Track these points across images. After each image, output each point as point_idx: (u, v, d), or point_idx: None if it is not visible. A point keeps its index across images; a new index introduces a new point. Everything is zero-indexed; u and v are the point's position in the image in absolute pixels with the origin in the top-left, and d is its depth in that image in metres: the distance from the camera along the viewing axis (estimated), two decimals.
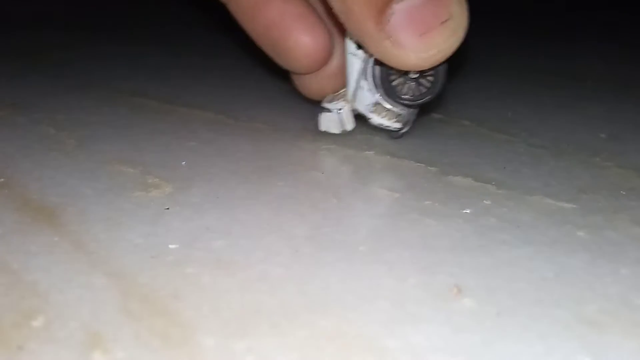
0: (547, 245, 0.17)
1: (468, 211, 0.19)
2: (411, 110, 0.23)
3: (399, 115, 0.23)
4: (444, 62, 0.21)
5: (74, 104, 0.28)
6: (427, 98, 0.23)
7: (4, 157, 0.22)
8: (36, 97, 0.29)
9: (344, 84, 0.24)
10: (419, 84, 0.23)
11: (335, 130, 0.25)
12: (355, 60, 0.23)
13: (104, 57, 0.38)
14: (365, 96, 0.23)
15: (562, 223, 0.18)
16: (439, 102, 0.29)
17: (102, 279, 0.15)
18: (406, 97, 0.23)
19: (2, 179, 0.21)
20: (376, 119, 0.24)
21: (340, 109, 0.24)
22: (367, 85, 0.23)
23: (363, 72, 0.23)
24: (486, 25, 0.50)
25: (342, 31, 0.24)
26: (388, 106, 0.23)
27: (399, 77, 0.23)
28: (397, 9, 0.19)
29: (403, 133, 0.24)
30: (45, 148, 0.23)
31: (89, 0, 0.58)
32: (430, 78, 0.22)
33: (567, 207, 0.19)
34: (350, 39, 0.23)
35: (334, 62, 0.25)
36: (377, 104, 0.23)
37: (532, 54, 0.39)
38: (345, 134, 0.25)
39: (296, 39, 0.24)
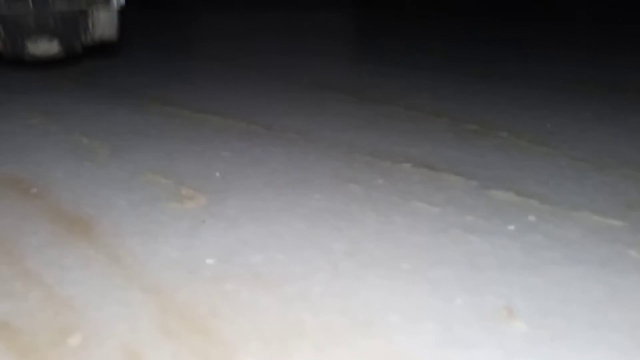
0: (598, 264, 0.16)
1: (512, 227, 0.18)
2: None
3: None
4: None
5: (106, 112, 0.28)
6: None
7: (37, 167, 0.22)
8: (68, 105, 0.29)
9: None
10: None
11: None
12: None
13: (135, 66, 0.38)
14: None
15: (612, 241, 0.17)
16: (473, 111, 0.28)
17: (138, 294, 0.15)
18: None
19: (35, 189, 0.20)
20: None
21: None
22: None
23: None
24: (519, 34, 0.50)
25: None
26: None
27: None
28: None
29: None
30: (78, 157, 0.23)
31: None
32: None
33: (616, 224, 0.18)
34: None
35: None
36: None
37: (566, 64, 0.39)
38: (380, 145, 0.24)
39: None
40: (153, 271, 0.16)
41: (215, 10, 0.63)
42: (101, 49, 0.43)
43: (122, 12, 0.29)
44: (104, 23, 0.29)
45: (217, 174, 0.22)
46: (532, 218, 0.19)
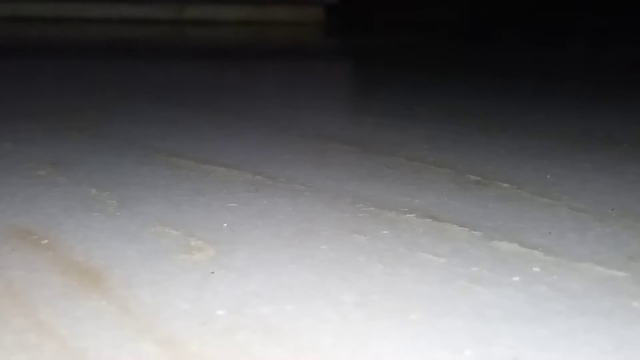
0: (603, 315, 0.16)
1: (517, 278, 0.18)
2: None
3: None
4: None
5: (113, 163, 0.29)
6: None
7: (47, 218, 0.23)
8: (76, 156, 0.30)
9: None
10: None
11: None
12: None
13: (139, 117, 0.39)
14: None
15: (616, 292, 0.18)
16: (474, 162, 0.29)
17: (151, 346, 0.15)
18: None
19: (46, 241, 0.21)
20: None
21: None
22: None
23: None
24: (514, 86, 0.51)
25: None
26: None
27: None
28: None
29: None
30: (88, 209, 0.23)
31: (121, 62, 0.59)
32: None
33: (619, 275, 0.19)
34: None
35: None
36: None
37: (562, 115, 0.40)
38: (385, 196, 0.25)
39: None
40: (165, 323, 0.16)
41: (214, 61, 0.65)
42: (103, 100, 0.44)
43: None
44: None
45: (225, 225, 0.22)
46: (536, 269, 0.19)
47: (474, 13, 1.34)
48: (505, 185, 0.26)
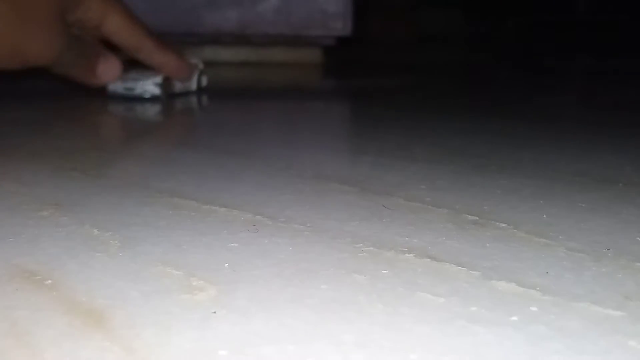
0: (600, 355, 0.17)
1: (515, 318, 0.19)
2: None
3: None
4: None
5: (115, 204, 0.29)
6: None
7: (50, 259, 0.23)
8: (78, 197, 0.30)
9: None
10: None
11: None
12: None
13: (140, 158, 0.39)
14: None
15: (612, 332, 0.18)
16: (471, 202, 0.29)
17: None
18: None
19: (49, 281, 0.21)
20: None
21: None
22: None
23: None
24: (511, 126, 0.51)
25: None
26: None
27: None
28: None
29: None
30: (90, 249, 0.24)
31: (121, 103, 0.60)
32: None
33: (615, 314, 0.19)
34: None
35: None
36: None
37: (557, 154, 0.40)
38: (383, 236, 0.25)
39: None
40: None
41: (213, 101, 0.66)
42: (104, 140, 0.45)
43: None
44: None
45: (226, 265, 0.22)
46: (534, 309, 0.19)
47: (471, 56, 1.36)
48: (502, 225, 0.27)
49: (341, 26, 0.98)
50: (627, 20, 1.45)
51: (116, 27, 0.56)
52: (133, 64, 0.60)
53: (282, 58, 1.01)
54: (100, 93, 0.61)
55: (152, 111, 0.57)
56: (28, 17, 0.48)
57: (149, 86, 0.59)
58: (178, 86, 0.62)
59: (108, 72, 0.58)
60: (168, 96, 0.60)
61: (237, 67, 0.98)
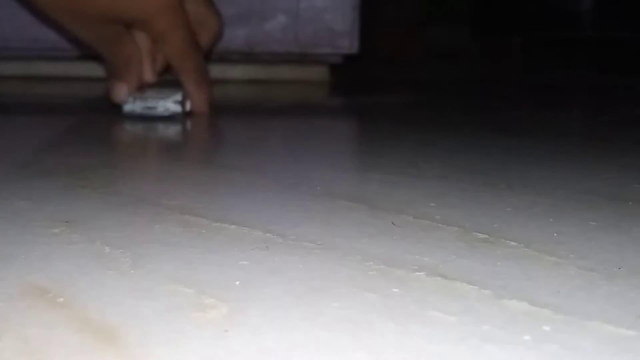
0: None
1: (528, 337, 0.19)
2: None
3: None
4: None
5: (126, 221, 0.29)
6: None
7: (62, 276, 0.23)
8: (88, 214, 0.30)
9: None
10: None
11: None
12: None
13: (150, 175, 0.40)
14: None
15: (626, 351, 0.18)
16: (481, 220, 0.29)
17: None
18: None
19: (61, 299, 0.21)
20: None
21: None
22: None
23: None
24: (519, 143, 0.51)
25: None
26: None
27: None
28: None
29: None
30: (102, 267, 0.24)
31: (131, 121, 0.60)
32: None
33: (628, 334, 0.19)
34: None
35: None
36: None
37: (566, 172, 0.40)
38: (394, 254, 0.25)
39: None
40: None
41: (221, 119, 0.66)
42: (113, 157, 0.45)
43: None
44: None
45: (237, 283, 0.23)
46: (546, 328, 0.19)
47: (478, 72, 1.36)
48: (513, 243, 0.27)
49: (348, 44, 0.99)
50: (633, 37, 1.45)
51: (173, 47, 0.58)
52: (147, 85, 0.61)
53: (289, 76, 1.02)
54: (110, 105, 0.61)
55: (161, 129, 0.57)
56: None
57: (170, 104, 0.59)
58: (189, 105, 0.63)
59: (115, 94, 0.59)
60: (185, 115, 0.60)
61: (245, 84, 0.99)
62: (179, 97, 0.60)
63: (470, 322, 0.20)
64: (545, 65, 1.48)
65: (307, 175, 0.40)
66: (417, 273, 0.24)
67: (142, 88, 0.60)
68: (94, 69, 0.97)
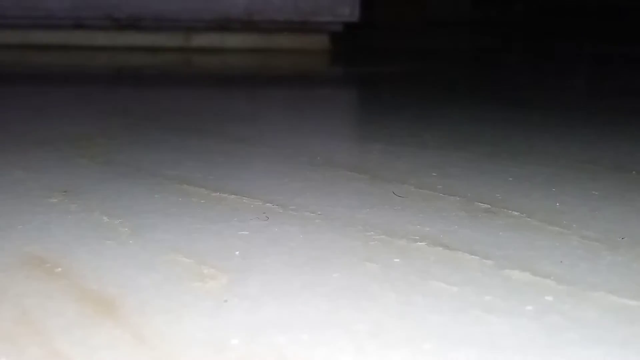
0: (617, 345, 0.16)
1: (530, 308, 0.18)
2: None
3: None
4: None
5: (125, 191, 0.29)
6: None
7: (60, 246, 0.23)
8: (86, 184, 0.30)
9: None
10: None
11: None
12: None
13: (149, 145, 0.39)
14: None
15: (629, 322, 0.18)
16: (483, 190, 0.29)
17: None
18: None
19: (59, 268, 0.21)
20: None
21: None
22: None
23: None
24: (521, 113, 0.51)
25: None
26: None
27: None
28: None
29: None
30: (100, 237, 0.24)
31: (129, 90, 0.60)
32: None
33: (632, 304, 0.19)
34: None
35: None
36: None
37: (569, 142, 0.40)
38: (395, 224, 0.25)
39: None
40: (180, 352, 0.16)
41: (221, 89, 0.65)
42: (112, 127, 0.44)
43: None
44: None
45: (237, 253, 0.22)
46: (549, 298, 0.19)
47: (479, 41, 1.35)
48: (515, 213, 0.26)
49: (349, 12, 0.97)
50: (635, 7, 1.43)
51: None
52: None
53: (289, 44, 1.00)
54: (106, 74, 0.61)
55: (159, 96, 0.57)
56: None
57: None
58: None
59: None
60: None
61: (245, 53, 0.98)
62: None
63: (472, 293, 0.19)
64: (547, 34, 1.46)
65: (307, 145, 0.39)
66: (419, 243, 0.23)
67: None
68: (91, 38, 0.96)
